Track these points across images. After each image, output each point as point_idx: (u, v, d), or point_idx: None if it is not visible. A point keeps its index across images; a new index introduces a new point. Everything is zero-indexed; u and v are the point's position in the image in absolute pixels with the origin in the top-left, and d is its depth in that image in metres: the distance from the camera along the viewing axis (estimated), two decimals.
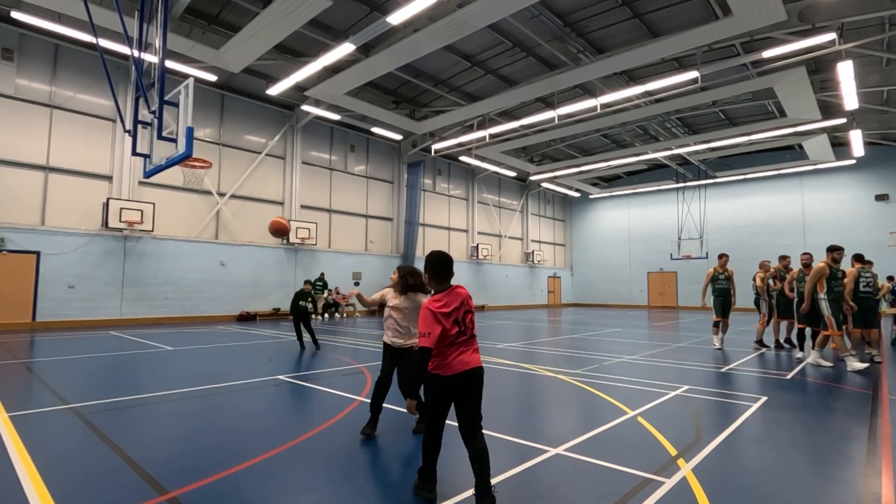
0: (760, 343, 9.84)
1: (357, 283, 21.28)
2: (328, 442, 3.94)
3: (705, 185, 28.05)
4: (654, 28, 13.81)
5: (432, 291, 2.95)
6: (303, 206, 19.68)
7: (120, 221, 14.17)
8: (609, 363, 8.03)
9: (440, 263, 2.91)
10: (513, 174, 28.24)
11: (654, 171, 30.33)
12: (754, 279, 10.56)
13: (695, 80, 14.62)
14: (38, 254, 13.29)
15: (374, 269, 22.18)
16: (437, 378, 2.80)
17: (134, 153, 7.60)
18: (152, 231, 15.03)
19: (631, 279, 32.02)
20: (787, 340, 10.18)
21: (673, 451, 3.66)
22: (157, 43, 6.58)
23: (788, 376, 6.88)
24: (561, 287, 34.37)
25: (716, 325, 9.95)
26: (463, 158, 24.59)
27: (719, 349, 9.61)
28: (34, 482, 3.05)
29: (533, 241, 32.15)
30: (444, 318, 2.74)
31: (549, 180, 29.50)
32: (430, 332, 2.71)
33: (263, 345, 10.28)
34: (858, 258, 8.91)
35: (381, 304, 4.63)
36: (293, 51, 15.02)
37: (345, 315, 19.72)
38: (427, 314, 2.75)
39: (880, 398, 5.57)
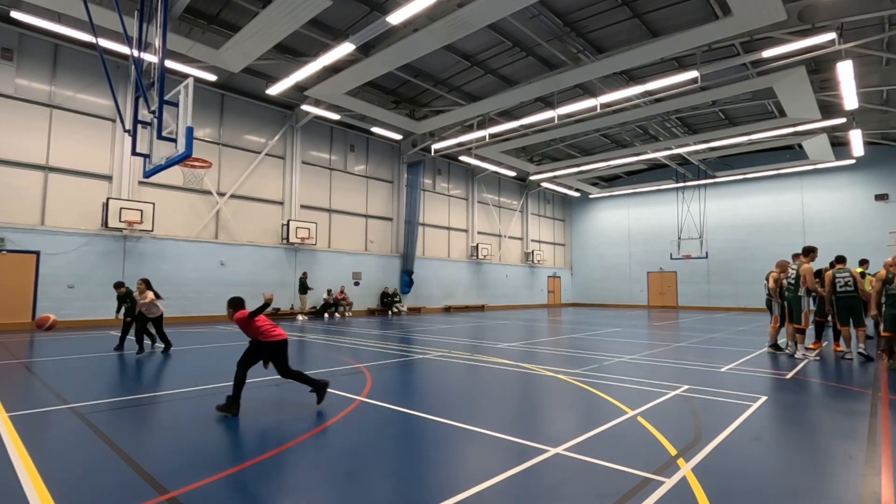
0: (775, 346, 9.33)
1: (357, 283, 21.30)
2: (328, 442, 3.94)
3: (705, 185, 28.06)
4: (654, 28, 13.80)
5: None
6: (303, 206, 19.68)
7: (120, 221, 14.16)
8: (609, 363, 8.03)
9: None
10: (513, 174, 28.24)
11: (654, 171, 30.33)
12: (767, 279, 9.82)
13: (695, 80, 14.63)
14: (37, 254, 13.28)
15: (374, 269, 22.19)
16: (257, 342, 5.14)
17: (134, 153, 7.61)
18: (152, 231, 15.03)
19: (631, 279, 32.02)
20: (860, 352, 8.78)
21: (673, 451, 3.66)
22: (157, 43, 6.58)
23: (788, 376, 6.88)
24: (561, 287, 34.38)
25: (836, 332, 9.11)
26: (463, 158, 24.59)
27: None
28: (34, 482, 3.05)
29: (533, 240, 32.16)
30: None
31: (549, 180, 29.50)
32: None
33: None
34: (840, 260, 9.06)
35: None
36: (293, 50, 15.02)
37: (344, 315, 19.72)
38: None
39: (880, 397, 5.58)
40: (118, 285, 9.50)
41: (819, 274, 9.93)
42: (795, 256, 9.71)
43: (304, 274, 18.70)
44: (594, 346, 10.48)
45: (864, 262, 10.50)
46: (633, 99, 17.36)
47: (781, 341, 9.55)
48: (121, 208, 14.26)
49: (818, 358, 8.46)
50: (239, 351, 9.27)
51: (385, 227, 23.16)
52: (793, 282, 8.67)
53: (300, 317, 18.28)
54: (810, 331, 9.41)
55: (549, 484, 3.11)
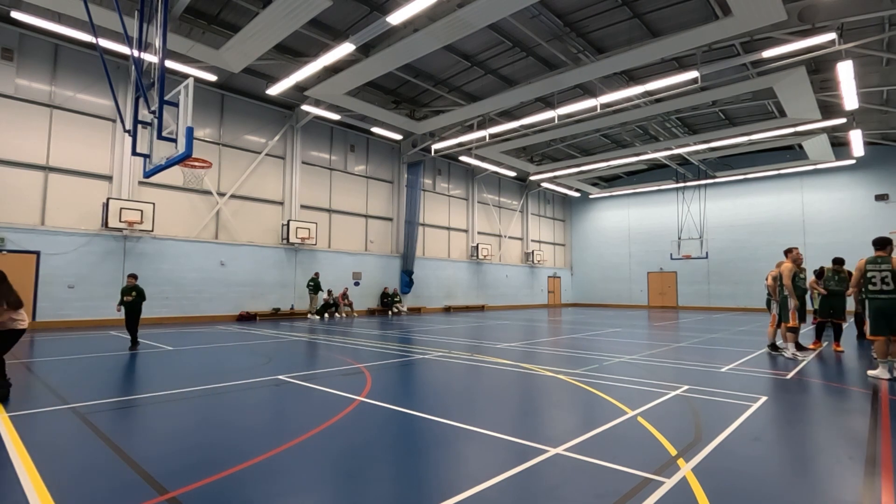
0: (774, 346, 9.30)
1: (357, 283, 21.30)
2: (328, 442, 3.94)
3: (705, 185, 28.06)
4: (654, 28, 13.81)
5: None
6: (303, 206, 19.68)
7: (120, 221, 14.16)
8: (609, 363, 8.03)
9: None
10: (513, 174, 28.24)
11: (654, 171, 30.33)
12: (767, 279, 9.82)
13: (695, 80, 14.63)
14: (37, 254, 13.29)
15: (374, 269, 22.19)
16: None
17: (134, 153, 7.63)
18: (152, 231, 15.03)
19: (631, 279, 32.02)
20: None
21: (673, 451, 3.66)
22: (157, 43, 6.59)
23: (788, 376, 6.88)
24: (561, 287, 34.37)
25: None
26: (463, 158, 24.59)
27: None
28: (34, 482, 3.05)
29: (533, 240, 32.16)
30: None
31: (549, 180, 29.50)
32: None
33: (263, 345, 10.29)
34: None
35: None
36: (293, 51, 15.02)
37: (344, 315, 19.73)
38: None
39: (880, 398, 5.57)
40: (133, 276, 9.69)
41: (822, 274, 10.04)
42: (837, 262, 9.93)
43: (317, 274, 18.88)
44: (594, 346, 10.48)
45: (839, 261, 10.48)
46: (633, 99, 17.36)
47: (780, 342, 9.54)
48: (121, 208, 14.26)
49: (804, 359, 8.40)
50: (238, 351, 9.31)
51: (385, 227, 23.16)
52: (780, 282, 8.78)
53: (311, 316, 18.45)
54: (812, 331, 9.43)
55: (549, 484, 3.11)
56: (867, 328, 7.02)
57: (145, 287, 14.90)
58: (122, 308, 9.43)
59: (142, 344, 10.05)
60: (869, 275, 6.95)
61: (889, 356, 6.71)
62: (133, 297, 9.37)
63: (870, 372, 6.92)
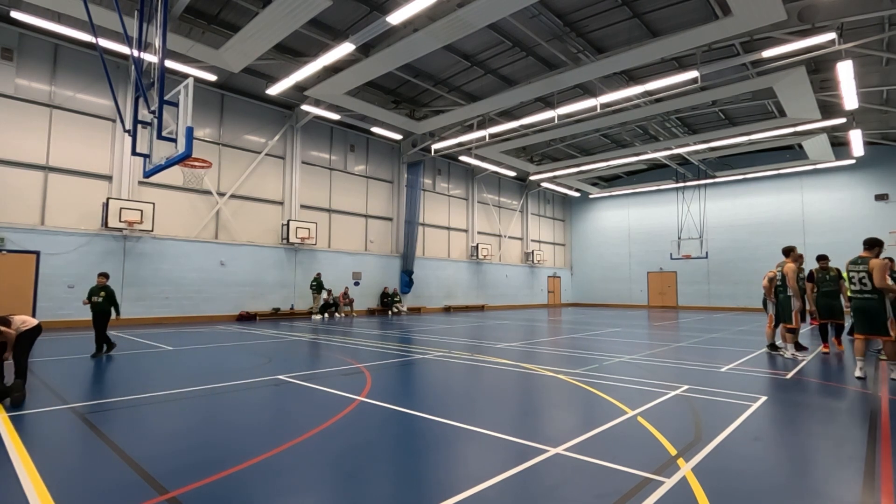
0: (773, 346, 9.28)
1: (357, 283, 21.30)
2: (328, 442, 3.94)
3: (705, 185, 28.07)
4: (654, 28, 13.81)
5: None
6: (303, 206, 19.68)
7: (120, 221, 14.16)
8: (609, 363, 8.03)
9: None
10: (513, 174, 28.24)
11: (654, 171, 30.33)
12: (763, 279, 9.79)
13: (694, 80, 14.63)
14: (37, 254, 13.28)
15: (374, 269, 22.19)
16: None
17: (134, 153, 7.62)
18: (152, 231, 15.03)
19: (631, 279, 32.03)
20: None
21: (673, 451, 3.66)
22: (157, 43, 6.58)
23: (788, 376, 6.88)
24: (561, 287, 34.38)
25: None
26: (463, 158, 24.59)
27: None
28: (34, 482, 3.05)
29: (533, 240, 32.16)
30: None
31: (549, 180, 29.50)
32: None
33: (263, 345, 10.29)
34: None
35: None
36: (293, 50, 15.02)
37: (343, 315, 19.73)
38: None
39: (880, 398, 5.58)
40: (103, 276, 8.71)
41: (812, 276, 9.95)
42: (821, 259, 9.83)
43: (319, 274, 19.01)
44: (594, 346, 10.48)
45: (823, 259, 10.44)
46: (633, 99, 17.36)
47: (780, 342, 9.53)
48: (121, 208, 14.25)
49: (803, 359, 8.38)
50: (238, 351, 9.31)
51: (385, 227, 23.16)
52: (779, 282, 8.77)
53: (314, 316, 18.54)
54: (811, 332, 9.40)
55: (549, 484, 3.11)
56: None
57: (145, 287, 15.07)
58: (91, 309, 8.42)
59: (141, 343, 10.05)
60: (849, 275, 7.05)
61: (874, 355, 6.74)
62: (101, 299, 8.39)
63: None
